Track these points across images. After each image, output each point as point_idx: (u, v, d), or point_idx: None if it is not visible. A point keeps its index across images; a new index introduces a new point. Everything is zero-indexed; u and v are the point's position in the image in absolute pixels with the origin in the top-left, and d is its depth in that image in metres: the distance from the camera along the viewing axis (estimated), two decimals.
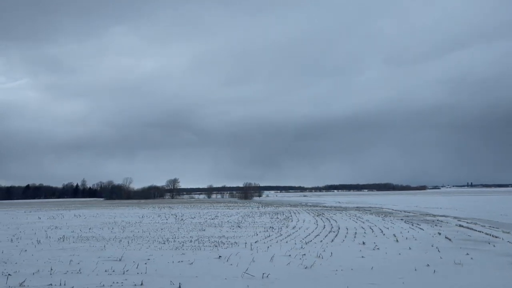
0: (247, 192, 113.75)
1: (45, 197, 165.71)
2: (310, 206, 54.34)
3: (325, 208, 47.41)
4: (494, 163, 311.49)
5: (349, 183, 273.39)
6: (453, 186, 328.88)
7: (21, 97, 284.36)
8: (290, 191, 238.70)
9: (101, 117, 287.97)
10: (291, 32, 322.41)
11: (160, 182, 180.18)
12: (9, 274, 9.82)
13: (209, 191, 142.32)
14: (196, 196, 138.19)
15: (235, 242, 15.37)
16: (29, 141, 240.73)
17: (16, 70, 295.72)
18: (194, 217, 30.95)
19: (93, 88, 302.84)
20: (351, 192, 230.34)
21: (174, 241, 16.12)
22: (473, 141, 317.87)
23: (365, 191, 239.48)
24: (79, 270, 10.25)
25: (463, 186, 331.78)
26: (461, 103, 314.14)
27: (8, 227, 24.27)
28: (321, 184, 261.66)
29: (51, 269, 10.41)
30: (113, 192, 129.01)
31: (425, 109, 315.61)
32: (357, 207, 47.46)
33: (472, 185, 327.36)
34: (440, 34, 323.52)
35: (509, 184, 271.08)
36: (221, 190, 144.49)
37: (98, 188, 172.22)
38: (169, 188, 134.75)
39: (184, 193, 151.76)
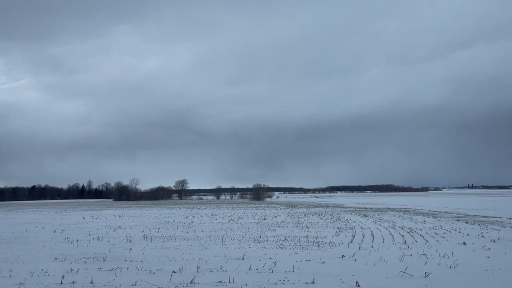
0: (259, 193, 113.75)
1: (51, 198, 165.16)
2: (339, 207, 54.23)
3: (358, 209, 47.30)
4: (495, 164, 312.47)
5: (350, 185, 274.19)
6: (453, 188, 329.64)
7: (22, 97, 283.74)
8: (295, 192, 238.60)
9: (103, 117, 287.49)
10: (294, 32, 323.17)
11: (161, 183, 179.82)
12: (173, 271, 9.73)
13: (217, 192, 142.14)
14: (204, 197, 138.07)
15: (331, 242, 15.26)
16: (30, 142, 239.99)
17: (18, 70, 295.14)
18: (242, 217, 30.82)
19: (95, 87, 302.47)
20: (355, 193, 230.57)
21: (266, 240, 16.02)
22: (474, 142, 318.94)
23: (369, 192, 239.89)
24: (221, 268, 10.16)
25: (464, 187, 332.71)
26: (463, 104, 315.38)
27: (68, 226, 24.09)
28: (322, 186, 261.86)
29: (198, 267, 10.35)
30: (122, 193, 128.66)
31: (428, 110, 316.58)
32: (387, 208, 47.38)
33: (473, 187, 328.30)
34: (444, 33, 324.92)
35: (510, 186, 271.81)
36: (230, 191, 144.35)
37: (104, 189, 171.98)
38: (177, 189, 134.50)
39: (191, 194, 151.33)
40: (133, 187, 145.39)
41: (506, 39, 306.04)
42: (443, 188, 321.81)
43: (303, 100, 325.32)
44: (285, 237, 17.09)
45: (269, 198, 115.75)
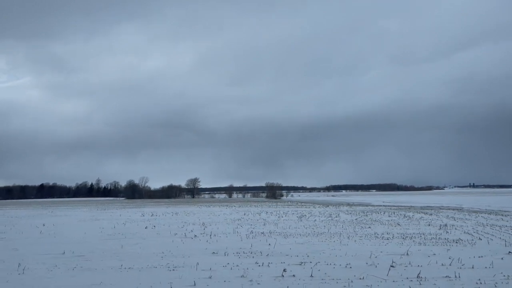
0: (275, 192, 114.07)
1: (59, 196, 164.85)
2: (373, 206, 54.61)
3: (403, 208, 47.65)
4: (496, 164, 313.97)
5: (352, 184, 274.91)
6: (454, 187, 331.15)
7: (24, 96, 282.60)
8: (299, 191, 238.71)
9: (104, 116, 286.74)
10: (295, 31, 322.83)
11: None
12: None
13: (229, 190, 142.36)
14: (217, 196, 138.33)
15: (458, 240, 15.61)
16: (32, 141, 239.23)
17: (19, 69, 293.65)
18: (304, 215, 31.12)
19: (97, 87, 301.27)
20: (360, 192, 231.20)
21: (393, 237, 16.40)
22: (475, 142, 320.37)
23: (374, 191, 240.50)
24: (417, 265, 10.50)
25: (465, 186, 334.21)
26: (465, 104, 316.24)
27: (150, 223, 24.31)
28: (323, 185, 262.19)
29: (393, 261, 10.70)
30: (135, 191, 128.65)
31: (429, 110, 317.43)
32: (426, 207, 47.76)
33: (474, 186, 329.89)
34: (446, 33, 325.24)
35: (511, 185, 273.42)
36: (242, 189, 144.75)
37: (112, 188, 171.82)
38: (189, 187, 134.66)
39: (203, 192, 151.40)
40: (143, 185, 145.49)
41: (508, 40, 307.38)
42: (444, 187, 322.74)
43: (304, 100, 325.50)
44: (401, 234, 17.46)
45: (284, 197, 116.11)
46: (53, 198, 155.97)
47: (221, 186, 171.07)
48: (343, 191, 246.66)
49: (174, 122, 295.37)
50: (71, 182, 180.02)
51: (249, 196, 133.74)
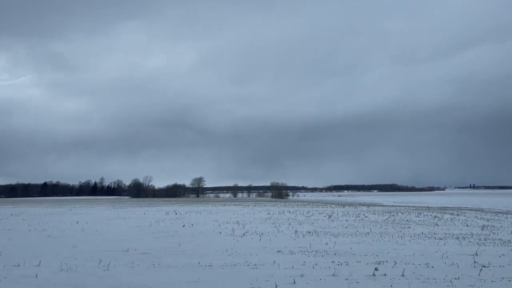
0: (281, 192, 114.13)
1: (63, 195, 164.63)
2: (387, 206, 54.64)
3: (420, 208, 47.71)
4: (496, 165, 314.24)
5: (353, 184, 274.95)
6: (455, 188, 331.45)
7: (24, 94, 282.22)
8: (301, 191, 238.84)
9: (105, 115, 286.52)
10: (297, 31, 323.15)
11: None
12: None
13: (233, 190, 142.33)
14: (221, 195, 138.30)
15: (500, 239, 15.67)
16: (32, 139, 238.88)
17: (20, 67, 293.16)
18: (331, 214, 31.13)
19: (98, 85, 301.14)
20: (362, 192, 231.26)
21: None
22: (475, 142, 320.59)
23: (375, 192, 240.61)
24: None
25: (465, 187, 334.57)
26: (467, 103, 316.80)
27: (183, 222, 24.30)
28: (325, 185, 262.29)
29: (475, 262, 10.74)
30: (141, 190, 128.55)
31: (430, 110, 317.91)
32: (446, 208, 47.81)
33: (474, 187, 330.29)
34: (447, 33, 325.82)
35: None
36: (244, 189, 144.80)
37: (116, 186, 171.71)
38: (194, 186, 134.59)
39: (207, 192, 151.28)
40: (146, 184, 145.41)
41: (509, 40, 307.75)
42: (445, 188, 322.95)
43: (305, 99, 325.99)
44: (448, 234, 17.51)
45: (290, 197, 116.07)
46: (57, 196, 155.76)
47: (223, 185, 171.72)
48: (345, 191, 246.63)
49: (175, 121, 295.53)
50: (71, 180, 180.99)
51: (253, 195, 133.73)
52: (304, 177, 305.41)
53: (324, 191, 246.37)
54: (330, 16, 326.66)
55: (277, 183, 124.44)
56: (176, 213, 33.75)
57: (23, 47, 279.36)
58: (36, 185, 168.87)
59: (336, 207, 48.33)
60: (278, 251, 12.97)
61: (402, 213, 33.25)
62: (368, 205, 56.36)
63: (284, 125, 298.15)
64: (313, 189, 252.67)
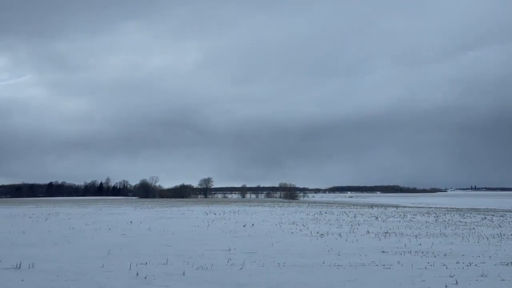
0: (292, 192, 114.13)
1: (68, 195, 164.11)
2: (412, 207, 54.62)
3: (454, 210, 47.67)
4: (497, 166, 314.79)
5: (354, 185, 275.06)
6: (456, 189, 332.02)
7: (26, 94, 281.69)
8: (306, 192, 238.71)
9: (106, 115, 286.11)
10: (300, 31, 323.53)
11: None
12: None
13: (242, 190, 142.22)
14: (229, 196, 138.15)
15: None
16: (33, 139, 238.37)
17: (21, 67, 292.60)
18: (362, 214, 31.05)
19: (99, 85, 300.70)
20: (367, 193, 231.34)
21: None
22: (477, 143, 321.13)
23: (378, 193, 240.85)
24: None
25: (467, 189, 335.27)
26: (469, 105, 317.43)
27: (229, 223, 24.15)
28: (326, 186, 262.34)
29: None
30: (149, 191, 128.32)
31: (433, 111, 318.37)
32: (473, 209, 47.81)
33: (476, 188, 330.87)
34: (452, 33, 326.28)
35: None
36: (254, 190, 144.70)
37: (121, 187, 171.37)
38: (202, 187, 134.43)
39: (215, 192, 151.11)
40: (153, 184, 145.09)
41: None
42: (446, 189, 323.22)
43: (307, 100, 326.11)
44: None
45: (301, 198, 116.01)
46: (63, 196, 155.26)
47: (227, 186, 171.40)
48: (348, 192, 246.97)
49: (176, 121, 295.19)
50: (73, 180, 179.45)
51: (262, 196, 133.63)
52: (305, 177, 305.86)
53: (327, 192, 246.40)
54: (332, 17, 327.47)
55: (286, 183, 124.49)
56: (214, 213, 33.56)
57: (24, 47, 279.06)
58: (41, 185, 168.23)
59: (365, 208, 48.26)
60: (383, 252, 12.84)
61: (444, 215, 33.21)
62: (396, 206, 56.33)
63: (286, 125, 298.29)
64: (316, 190, 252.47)
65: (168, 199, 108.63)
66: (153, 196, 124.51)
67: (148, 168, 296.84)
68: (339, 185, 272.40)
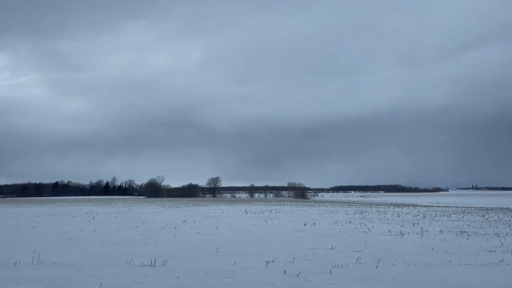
0: (304, 192, 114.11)
1: (74, 195, 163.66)
2: (433, 207, 54.61)
3: (484, 209, 47.64)
4: (498, 166, 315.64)
5: (357, 184, 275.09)
6: (457, 189, 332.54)
7: (26, 93, 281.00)
8: (309, 191, 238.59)
9: (108, 115, 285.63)
10: (302, 31, 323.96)
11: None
12: None
13: (250, 190, 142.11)
14: (238, 195, 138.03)
15: None
16: (34, 139, 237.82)
17: (22, 66, 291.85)
18: (399, 215, 30.98)
19: (101, 85, 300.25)
20: (368, 193, 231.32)
21: None
22: (478, 143, 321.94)
23: (382, 192, 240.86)
24: None
25: (467, 188, 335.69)
26: (470, 104, 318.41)
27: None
28: (327, 185, 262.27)
29: None
30: (158, 190, 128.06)
31: (433, 110, 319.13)
32: (506, 208, 47.77)
33: (477, 188, 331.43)
34: (453, 33, 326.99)
35: None
36: (263, 189, 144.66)
37: (127, 186, 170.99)
38: (210, 186, 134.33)
39: (223, 191, 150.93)
40: (159, 184, 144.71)
41: None
42: (447, 189, 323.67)
43: (309, 99, 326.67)
44: None
45: (313, 197, 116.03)
46: (68, 196, 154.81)
47: (234, 185, 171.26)
48: (352, 192, 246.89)
49: (176, 120, 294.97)
50: (76, 179, 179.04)
51: (271, 196, 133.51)
52: (306, 177, 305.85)
53: (330, 191, 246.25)
54: (333, 16, 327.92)
55: (294, 183, 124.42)
56: (253, 212, 33.41)
57: (25, 46, 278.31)
58: (46, 185, 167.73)
59: (394, 207, 48.23)
60: (490, 251, 12.74)
61: (484, 214, 33.19)
62: (415, 205, 56.30)
63: (287, 125, 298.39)
64: (320, 190, 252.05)
65: (179, 198, 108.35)
66: (162, 196, 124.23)
67: (149, 168, 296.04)
68: (341, 185, 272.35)
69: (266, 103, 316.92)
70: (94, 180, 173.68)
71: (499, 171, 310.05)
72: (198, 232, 17.51)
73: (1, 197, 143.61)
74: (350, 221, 24.12)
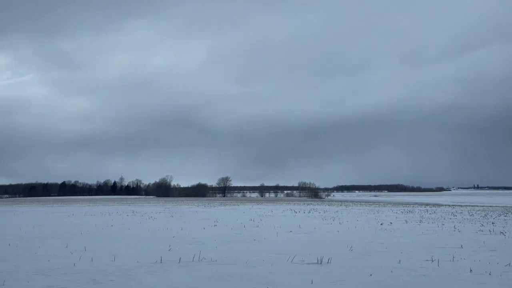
0: (317, 192, 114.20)
1: (81, 194, 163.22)
2: (462, 206, 54.65)
3: None
4: (499, 165, 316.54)
5: (359, 184, 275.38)
6: (458, 188, 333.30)
7: (28, 93, 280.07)
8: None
9: (111, 115, 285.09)
10: (306, 29, 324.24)
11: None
12: None
13: (261, 189, 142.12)
14: (248, 195, 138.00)
15: None
16: (35, 138, 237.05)
17: (23, 65, 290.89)
18: (455, 216, 30.98)
19: (104, 84, 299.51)
20: (373, 192, 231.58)
21: None
22: (479, 142, 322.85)
23: (386, 192, 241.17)
24: None
25: (469, 188, 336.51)
26: (472, 103, 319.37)
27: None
28: (328, 185, 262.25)
29: None
30: (169, 190, 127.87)
31: (436, 109, 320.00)
32: None
33: (478, 187, 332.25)
34: (455, 33, 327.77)
35: None
36: (273, 189, 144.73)
37: (134, 186, 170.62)
38: (220, 186, 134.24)
39: (233, 191, 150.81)
40: (168, 183, 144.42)
41: None
42: (448, 188, 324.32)
43: (312, 98, 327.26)
44: None
45: (326, 197, 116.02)
46: (76, 195, 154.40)
47: (244, 185, 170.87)
48: (356, 191, 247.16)
49: (178, 120, 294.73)
50: (79, 179, 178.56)
51: (281, 195, 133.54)
52: (308, 177, 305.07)
53: (335, 191, 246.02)
54: (337, 16, 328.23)
55: (305, 183, 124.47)
56: (295, 212, 33.28)
57: (26, 45, 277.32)
58: (54, 185, 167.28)
59: (428, 206, 48.21)
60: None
61: None
62: (438, 205, 56.33)
63: (290, 124, 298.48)
64: (323, 190, 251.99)
65: (191, 198, 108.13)
66: (173, 195, 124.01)
67: (151, 168, 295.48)
68: (343, 184, 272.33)
69: (269, 102, 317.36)
70: (101, 180, 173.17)
71: (501, 170, 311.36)
72: (303, 232, 17.27)
73: (8, 197, 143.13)
74: (406, 221, 23.97)
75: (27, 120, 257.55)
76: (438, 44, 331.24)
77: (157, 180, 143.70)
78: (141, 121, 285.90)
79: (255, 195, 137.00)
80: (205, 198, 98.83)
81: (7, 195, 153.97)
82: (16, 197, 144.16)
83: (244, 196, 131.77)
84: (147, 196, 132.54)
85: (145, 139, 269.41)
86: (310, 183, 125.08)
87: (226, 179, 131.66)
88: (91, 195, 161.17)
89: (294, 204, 54.94)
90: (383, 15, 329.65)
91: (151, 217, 26.96)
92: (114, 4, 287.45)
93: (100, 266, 9.34)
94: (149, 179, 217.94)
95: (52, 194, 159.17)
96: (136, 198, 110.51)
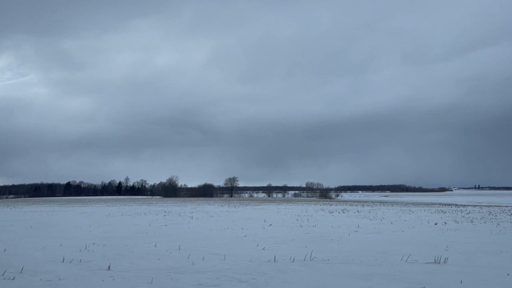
0: (327, 192, 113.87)
1: (86, 195, 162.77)
2: (482, 206, 54.41)
3: None
4: (501, 165, 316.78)
5: (361, 184, 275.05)
6: (459, 188, 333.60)
7: (30, 93, 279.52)
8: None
9: (114, 115, 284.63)
10: (309, 29, 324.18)
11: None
12: None
13: (268, 189, 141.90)
14: (255, 195, 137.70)
15: None
16: (36, 138, 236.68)
17: (26, 65, 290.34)
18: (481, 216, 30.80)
19: (106, 84, 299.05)
20: (376, 193, 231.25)
21: None
22: (481, 142, 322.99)
23: (388, 192, 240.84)
24: None
25: (470, 188, 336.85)
26: (475, 103, 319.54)
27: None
28: (332, 185, 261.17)
29: None
30: (176, 190, 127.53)
31: (438, 109, 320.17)
32: None
33: (479, 188, 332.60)
34: (462, 32, 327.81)
35: None
36: (281, 189, 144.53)
37: (139, 186, 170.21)
38: (227, 186, 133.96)
39: (240, 192, 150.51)
40: (174, 184, 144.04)
41: None
42: (449, 188, 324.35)
43: (315, 98, 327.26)
44: None
45: (336, 197, 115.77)
46: (81, 196, 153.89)
47: (251, 185, 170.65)
48: (359, 191, 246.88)
49: (181, 120, 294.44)
50: (82, 179, 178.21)
51: (289, 195, 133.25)
52: (309, 177, 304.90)
53: (337, 191, 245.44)
54: (341, 15, 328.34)
55: (313, 183, 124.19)
56: (339, 212, 33.08)
57: (28, 45, 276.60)
58: (60, 185, 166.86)
59: (450, 206, 47.98)
60: None
61: None
62: (456, 205, 56.16)
63: (292, 124, 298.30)
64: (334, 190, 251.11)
65: (199, 198, 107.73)
66: (180, 195, 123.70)
67: (152, 168, 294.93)
68: (345, 185, 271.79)
69: (272, 102, 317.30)
70: (105, 180, 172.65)
71: (502, 170, 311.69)
72: (371, 232, 17.04)
73: (14, 197, 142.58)
74: (445, 222, 23.70)
75: (29, 120, 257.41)
76: (441, 44, 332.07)
77: (163, 181, 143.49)
78: (144, 121, 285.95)
79: (261, 195, 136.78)
80: (216, 198, 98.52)
81: (12, 196, 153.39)
82: (21, 197, 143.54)
83: (251, 196, 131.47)
84: (154, 196, 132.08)
85: (148, 139, 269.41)
86: (318, 183, 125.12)
87: (233, 179, 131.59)
88: (96, 195, 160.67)
89: (315, 204, 54.68)
90: (386, 15, 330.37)
91: (192, 217, 26.67)
92: (117, 3, 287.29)
93: (220, 265, 9.10)
94: (153, 179, 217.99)
95: (56, 195, 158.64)
96: (145, 198, 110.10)
